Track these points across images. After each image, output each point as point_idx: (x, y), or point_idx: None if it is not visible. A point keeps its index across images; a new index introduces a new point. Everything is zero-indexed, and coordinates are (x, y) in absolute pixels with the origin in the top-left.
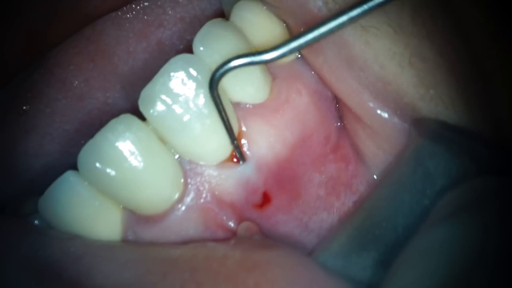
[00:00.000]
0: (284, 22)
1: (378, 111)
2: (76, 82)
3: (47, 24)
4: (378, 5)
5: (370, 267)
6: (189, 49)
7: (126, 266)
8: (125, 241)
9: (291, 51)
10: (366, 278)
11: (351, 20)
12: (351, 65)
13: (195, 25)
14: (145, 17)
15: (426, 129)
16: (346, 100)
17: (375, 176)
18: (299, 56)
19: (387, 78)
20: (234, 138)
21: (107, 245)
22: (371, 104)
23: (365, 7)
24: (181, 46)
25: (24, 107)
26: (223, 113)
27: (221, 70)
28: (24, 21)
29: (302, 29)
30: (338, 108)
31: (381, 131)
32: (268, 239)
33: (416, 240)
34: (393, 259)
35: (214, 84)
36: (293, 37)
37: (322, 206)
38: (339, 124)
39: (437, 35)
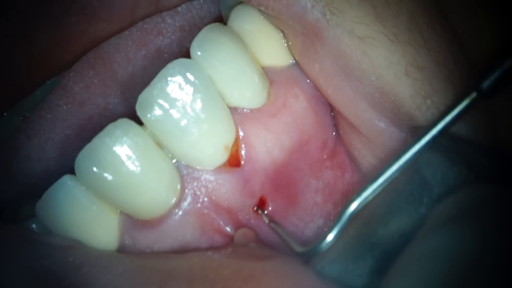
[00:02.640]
0: (282, 31)
1: (376, 121)
2: (77, 89)
3: (55, 48)
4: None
5: (367, 274)
6: (188, 57)
7: (123, 275)
8: (122, 247)
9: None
10: (362, 285)
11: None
12: (348, 75)
13: (195, 33)
14: (144, 25)
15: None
16: (343, 110)
17: None
18: (295, 62)
19: (384, 89)
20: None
21: (105, 254)
22: (368, 114)
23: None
24: (181, 54)
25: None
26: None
27: None
28: (33, 45)
29: (301, 41)
30: (333, 116)
31: (378, 141)
32: (264, 247)
33: (412, 247)
34: (390, 266)
35: None
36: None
37: (319, 213)
38: (334, 133)
39: (434, 43)
